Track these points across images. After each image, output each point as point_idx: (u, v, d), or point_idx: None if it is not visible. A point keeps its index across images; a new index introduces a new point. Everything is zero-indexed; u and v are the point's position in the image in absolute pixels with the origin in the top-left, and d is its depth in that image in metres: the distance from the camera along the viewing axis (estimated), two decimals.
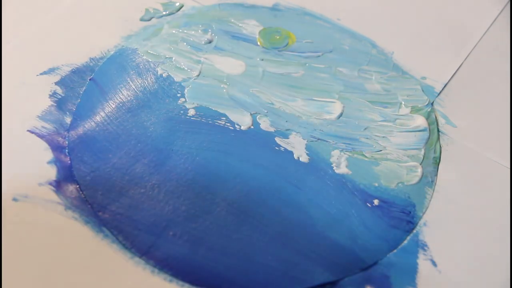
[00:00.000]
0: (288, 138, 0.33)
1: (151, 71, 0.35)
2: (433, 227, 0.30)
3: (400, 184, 0.32)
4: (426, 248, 0.30)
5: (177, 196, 0.30)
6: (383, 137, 0.34)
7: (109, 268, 0.27)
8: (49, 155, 0.30)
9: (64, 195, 0.29)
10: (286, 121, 0.34)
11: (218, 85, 0.35)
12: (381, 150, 0.33)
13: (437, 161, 0.33)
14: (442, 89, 0.36)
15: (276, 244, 0.29)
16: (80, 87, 0.34)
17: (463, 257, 0.29)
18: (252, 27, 0.38)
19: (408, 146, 0.33)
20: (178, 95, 0.34)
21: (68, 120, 0.32)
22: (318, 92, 0.35)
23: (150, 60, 0.36)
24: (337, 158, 0.32)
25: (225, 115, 0.33)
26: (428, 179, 0.32)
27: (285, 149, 0.32)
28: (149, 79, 0.35)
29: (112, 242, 0.28)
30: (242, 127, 0.33)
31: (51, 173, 0.30)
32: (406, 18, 0.40)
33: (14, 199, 0.28)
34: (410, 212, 0.31)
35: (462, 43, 0.39)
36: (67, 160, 0.31)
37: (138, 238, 0.28)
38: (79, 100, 0.33)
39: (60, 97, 0.33)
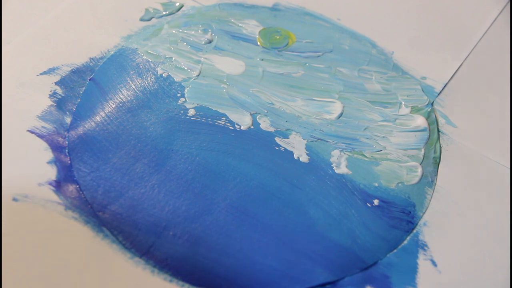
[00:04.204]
0: (288, 138, 0.33)
1: (151, 71, 0.35)
2: (433, 227, 0.30)
3: (400, 184, 0.32)
4: (426, 248, 0.30)
5: (177, 196, 0.30)
6: (383, 137, 0.34)
7: (109, 268, 0.27)
8: (49, 155, 0.30)
9: (64, 195, 0.29)
10: (286, 121, 0.34)
11: (218, 85, 0.35)
12: (381, 150, 0.33)
13: (437, 161, 0.33)
14: (442, 89, 0.36)
15: (276, 244, 0.29)
16: (80, 87, 0.34)
17: (463, 257, 0.29)
18: (252, 27, 0.38)
19: (408, 146, 0.33)
20: (178, 95, 0.34)
21: (68, 120, 0.32)
22: (318, 92, 0.35)
23: (150, 60, 0.36)
24: (337, 158, 0.32)
25: (225, 115, 0.33)
26: (428, 179, 0.32)
27: (285, 149, 0.32)
28: (149, 79, 0.35)
29: (112, 242, 0.28)
30: (242, 127, 0.33)
31: (51, 173, 0.30)
32: (406, 18, 0.40)
33: (14, 199, 0.28)
34: (410, 212, 0.31)
35: (462, 43, 0.39)
36: (67, 160, 0.31)
37: (138, 238, 0.28)
38: (79, 100, 0.33)
39: (60, 97, 0.33)
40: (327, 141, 0.33)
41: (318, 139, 0.33)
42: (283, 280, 0.28)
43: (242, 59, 0.36)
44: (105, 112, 0.33)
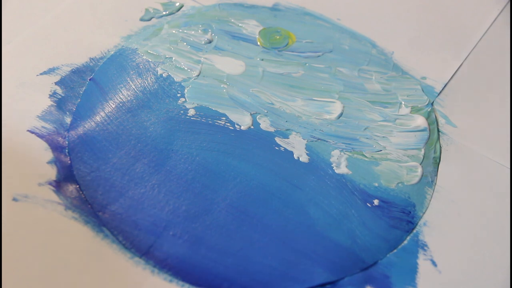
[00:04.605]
0: (288, 138, 0.33)
1: (151, 71, 0.35)
2: (433, 227, 0.30)
3: (400, 184, 0.32)
4: (426, 248, 0.30)
5: (177, 196, 0.30)
6: (383, 137, 0.34)
7: (109, 268, 0.27)
8: (49, 155, 0.30)
9: (64, 195, 0.29)
10: (286, 121, 0.34)
11: (218, 85, 0.35)
12: (381, 150, 0.33)
13: (437, 161, 0.33)
14: (442, 89, 0.36)
15: (276, 244, 0.29)
16: (80, 87, 0.34)
17: (463, 257, 0.29)
18: (252, 27, 0.38)
19: (408, 146, 0.33)
20: (178, 95, 0.34)
21: (68, 120, 0.32)
22: (318, 92, 0.35)
23: (150, 60, 0.36)
24: (337, 158, 0.32)
25: (225, 115, 0.33)
26: (428, 179, 0.32)
27: (285, 149, 0.32)
28: (149, 79, 0.35)
29: (112, 242, 0.28)
30: (242, 127, 0.33)
31: (51, 173, 0.30)
32: (406, 18, 0.40)
33: (14, 199, 0.28)
34: (410, 212, 0.31)
35: (462, 43, 0.39)
36: (67, 160, 0.31)
37: (138, 238, 0.28)
38: (79, 100, 0.33)
39: (60, 97, 0.33)
40: (327, 141, 0.33)
41: (318, 139, 0.33)
42: (283, 280, 0.28)
43: (242, 59, 0.36)
44: (105, 112, 0.33)
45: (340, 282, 0.28)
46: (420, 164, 0.33)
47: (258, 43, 0.37)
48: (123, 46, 0.36)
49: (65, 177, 0.30)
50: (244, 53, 0.37)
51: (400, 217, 0.30)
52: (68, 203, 0.29)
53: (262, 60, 0.36)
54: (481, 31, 0.40)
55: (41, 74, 0.34)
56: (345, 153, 0.33)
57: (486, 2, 0.42)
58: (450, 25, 0.40)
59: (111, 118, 0.33)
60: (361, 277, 0.28)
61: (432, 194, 0.32)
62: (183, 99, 0.34)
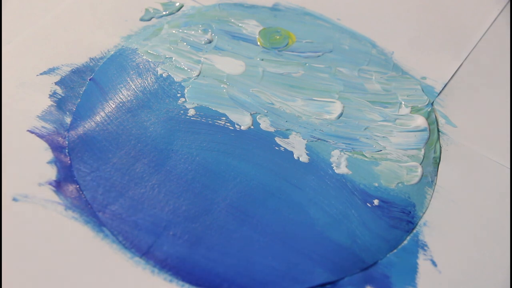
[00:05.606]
0: (288, 138, 0.33)
1: (151, 71, 0.35)
2: (433, 227, 0.30)
3: (400, 184, 0.32)
4: (426, 248, 0.30)
5: (177, 196, 0.30)
6: (383, 137, 0.34)
7: (109, 268, 0.27)
8: (49, 155, 0.30)
9: (64, 195, 0.29)
10: (286, 121, 0.34)
11: (218, 85, 0.35)
12: (381, 150, 0.33)
13: (437, 161, 0.33)
14: (442, 89, 0.36)
15: (276, 244, 0.29)
16: (80, 87, 0.34)
17: (463, 257, 0.29)
18: (252, 27, 0.38)
19: (408, 146, 0.33)
20: (178, 95, 0.34)
21: (68, 120, 0.32)
22: (318, 92, 0.35)
23: (150, 60, 0.36)
24: (337, 158, 0.32)
25: (225, 115, 0.33)
26: (428, 179, 0.32)
27: (285, 149, 0.32)
28: (149, 79, 0.35)
29: (112, 242, 0.28)
30: (242, 127, 0.33)
31: (51, 173, 0.30)
32: (406, 18, 0.40)
33: (14, 199, 0.28)
34: (410, 212, 0.31)
35: (462, 43, 0.39)
36: (67, 160, 0.31)
37: (138, 238, 0.28)
38: (79, 100, 0.33)
39: (60, 97, 0.33)
40: (327, 141, 0.33)
41: (318, 139, 0.33)
42: (283, 280, 0.28)
43: (242, 59, 0.36)
44: (105, 112, 0.33)
45: (340, 282, 0.28)
46: (420, 164, 0.33)
47: (258, 43, 0.37)
48: (123, 46, 0.36)
49: (65, 177, 0.30)
50: (244, 53, 0.37)
51: (400, 217, 0.30)
52: (68, 203, 0.29)
53: (262, 60, 0.36)
54: (481, 31, 0.40)
55: (41, 74, 0.34)
56: (345, 153, 0.33)
57: (486, 2, 0.42)
58: (450, 25, 0.40)
59: (111, 118, 0.33)
60: (361, 277, 0.28)
61: (432, 194, 0.32)
62: (183, 99, 0.34)
